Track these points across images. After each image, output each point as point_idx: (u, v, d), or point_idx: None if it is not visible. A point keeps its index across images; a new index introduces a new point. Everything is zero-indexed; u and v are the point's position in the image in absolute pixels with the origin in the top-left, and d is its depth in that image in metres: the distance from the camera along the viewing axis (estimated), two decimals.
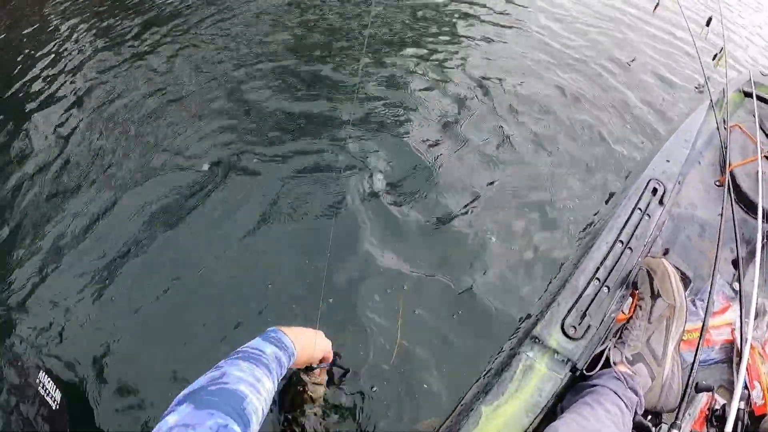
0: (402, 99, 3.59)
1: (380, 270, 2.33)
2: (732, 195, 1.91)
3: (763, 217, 1.91)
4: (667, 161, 2.15)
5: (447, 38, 4.60)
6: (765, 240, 1.99)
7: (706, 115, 2.56)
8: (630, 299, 1.65)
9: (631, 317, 1.57)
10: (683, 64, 4.72)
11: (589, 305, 1.58)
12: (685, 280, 1.79)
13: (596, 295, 1.60)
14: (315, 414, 1.58)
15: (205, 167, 2.91)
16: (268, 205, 2.66)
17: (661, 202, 1.95)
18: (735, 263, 1.79)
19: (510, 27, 4.92)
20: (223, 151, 3.05)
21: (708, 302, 1.52)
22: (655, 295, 1.54)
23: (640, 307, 1.56)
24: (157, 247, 2.45)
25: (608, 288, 1.62)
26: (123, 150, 3.10)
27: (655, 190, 1.98)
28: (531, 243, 2.60)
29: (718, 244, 1.68)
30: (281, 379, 1.15)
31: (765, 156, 2.32)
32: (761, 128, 2.52)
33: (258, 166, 2.94)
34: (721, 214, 1.79)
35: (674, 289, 1.53)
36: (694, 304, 1.74)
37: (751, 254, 1.88)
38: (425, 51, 4.31)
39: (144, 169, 2.94)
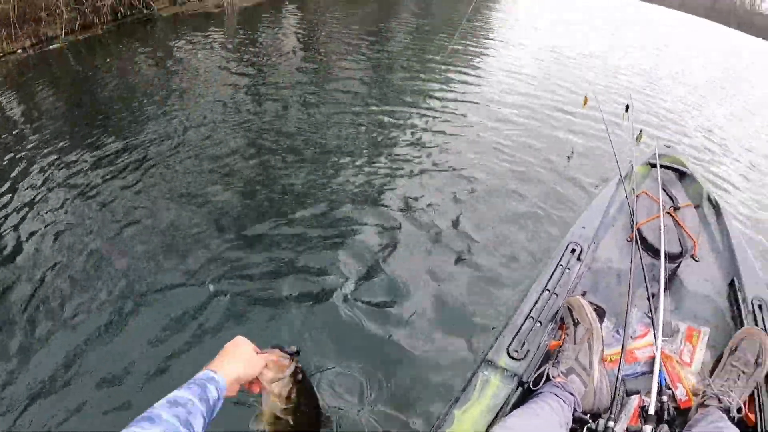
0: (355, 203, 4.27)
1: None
2: (640, 246, 2.50)
3: (665, 259, 2.41)
4: (583, 228, 2.80)
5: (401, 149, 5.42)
6: (668, 275, 2.55)
7: (617, 187, 3.23)
8: (559, 330, 2.17)
9: (562, 343, 2.07)
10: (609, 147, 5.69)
11: (527, 335, 2.09)
12: (599, 311, 2.26)
13: (531, 328, 2.13)
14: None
15: (211, 288, 3.26)
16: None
17: (578, 259, 2.56)
18: (649, 297, 2.24)
19: (461, 135, 5.87)
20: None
21: (625, 329, 2.07)
22: (575, 323, 2.05)
23: (567, 334, 2.06)
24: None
25: (540, 323, 2.16)
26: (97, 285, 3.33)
27: (573, 250, 2.60)
28: (488, 297, 3.33)
29: (629, 285, 2.21)
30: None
31: (667, 212, 2.89)
32: (664, 190, 3.13)
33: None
34: (632, 262, 2.33)
35: (589, 317, 2.04)
36: (619, 333, 2.23)
37: (663, 289, 2.37)
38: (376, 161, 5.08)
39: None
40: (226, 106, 6.28)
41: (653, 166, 3.42)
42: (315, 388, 1.27)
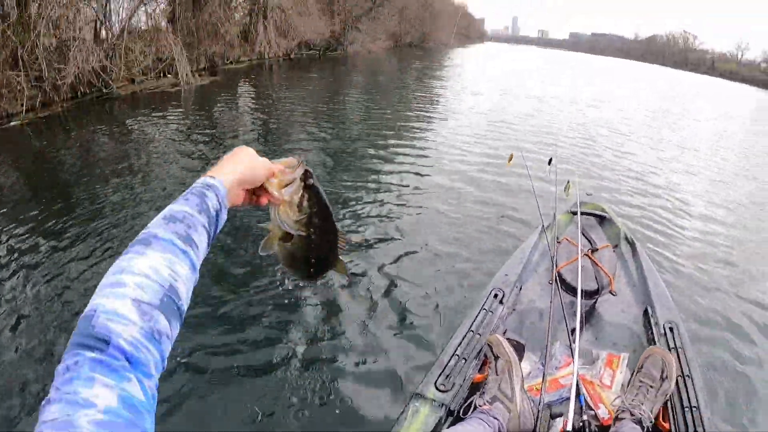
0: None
1: None
2: (559, 287, 2.80)
3: (581, 296, 2.66)
4: (506, 275, 3.14)
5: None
6: (587, 310, 2.89)
7: (539, 236, 3.60)
8: (484, 365, 2.40)
9: (486, 376, 2.28)
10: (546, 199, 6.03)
11: (452, 371, 2.33)
12: (518, 346, 2.51)
13: (456, 364, 2.37)
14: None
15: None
16: None
17: (501, 302, 2.86)
18: (568, 331, 2.46)
19: (408, 204, 6.17)
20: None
21: (546, 360, 2.34)
22: (496, 358, 2.28)
23: (490, 367, 2.28)
24: None
25: (465, 360, 2.40)
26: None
27: (496, 295, 2.90)
28: (421, 342, 3.58)
29: (549, 322, 2.47)
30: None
31: (585, 255, 3.13)
32: (583, 235, 3.42)
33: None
34: (551, 302, 2.61)
35: (506, 351, 2.27)
36: (543, 365, 2.42)
37: (580, 323, 2.60)
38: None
39: None
40: (185, 185, 6.37)
41: (575, 213, 3.73)
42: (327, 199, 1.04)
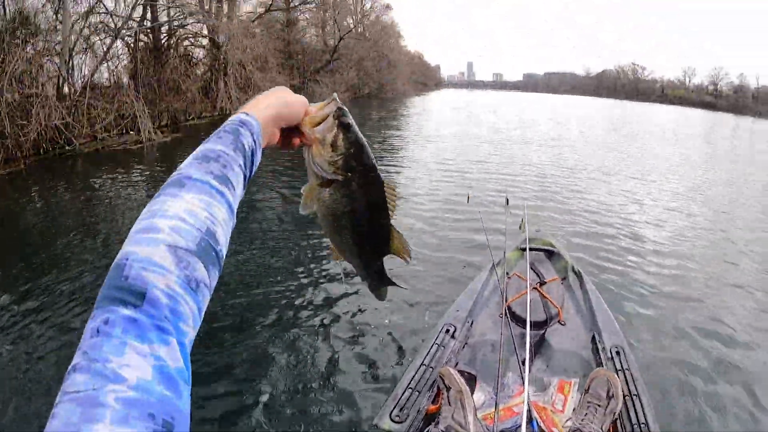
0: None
1: None
2: (509, 320, 2.95)
3: (530, 327, 2.70)
4: (457, 311, 3.33)
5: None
6: (537, 341, 3.06)
7: (490, 272, 3.79)
8: (437, 397, 2.55)
9: (439, 407, 2.44)
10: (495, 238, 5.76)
11: (407, 403, 2.48)
12: (470, 377, 2.69)
13: (410, 396, 2.52)
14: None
15: None
16: None
17: (453, 337, 3.05)
18: (519, 361, 2.51)
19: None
20: None
21: (497, 389, 2.39)
22: (448, 389, 2.43)
23: (443, 398, 2.44)
24: None
25: (418, 392, 2.55)
26: None
27: (447, 330, 3.09)
28: (382, 373, 3.79)
29: (500, 353, 2.55)
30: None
31: (534, 288, 3.30)
32: (532, 269, 3.58)
33: None
34: (501, 334, 2.71)
35: (458, 381, 2.43)
36: (496, 395, 2.52)
37: (531, 353, 2.74)
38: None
39: None
40: None
41: (524, 249, 3.87)
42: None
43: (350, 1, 45.60)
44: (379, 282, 1.13)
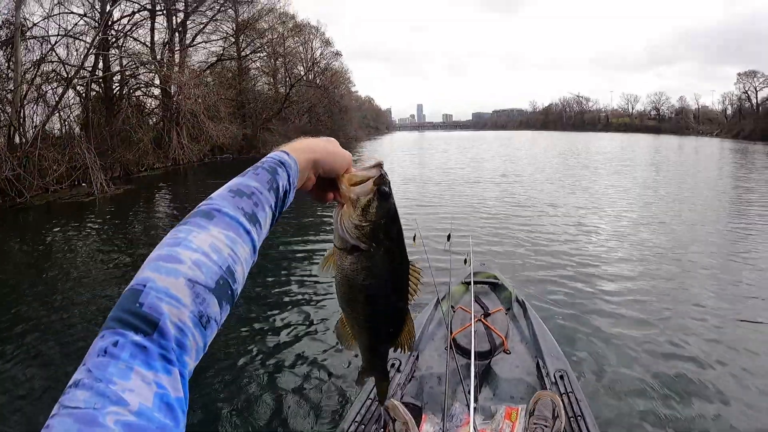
0: None
1: None
2: (455, 352, 2.93)
3: (475, 358, 2.79)
4: None
5: None
6: (483, 370, 3.11)
7: (435, 307, 3.80)
8: (384, 430, 2.53)
9: None
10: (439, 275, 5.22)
11: None
12: (415, 408, 2.71)
13: (356, 430, 2.56)
14: None
15: None
16: None
17: (398, 370, 3.03)
18: (465, 391, 2.55)
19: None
20: None
21: (444, 419, 2.44)
22: (393, 420, 2.46)
23: (389, 430, 2.45)
24: None
25: (364, 425, 2.57)
26: None
27: (393, 365, 3.03)
28: (327, 408, 3.85)
29: (446, 385, 2.61)
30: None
31: (478, 320, 3.36)
32: (476, 301, 3.66)
33: None
34: (447, 366, 2.76)
35: (402, 413, 2.45)
36: (444, 426, 2.49)
37: (478, 382, 2.76)
38: None
39: None
40: (103, 297, 6.32)
41: (468, 283, 3.93)
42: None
43: (301, 49, 46.81)
44: (377, 370, 1.08)
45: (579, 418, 2.60)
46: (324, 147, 0.84)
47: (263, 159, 0.76)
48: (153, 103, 24.79)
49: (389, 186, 0.87)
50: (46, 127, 17.39)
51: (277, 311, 5.85)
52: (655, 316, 5.62)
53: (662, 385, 4.15)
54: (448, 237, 4.88)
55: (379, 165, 0.87)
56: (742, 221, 10.71)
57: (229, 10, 32.57)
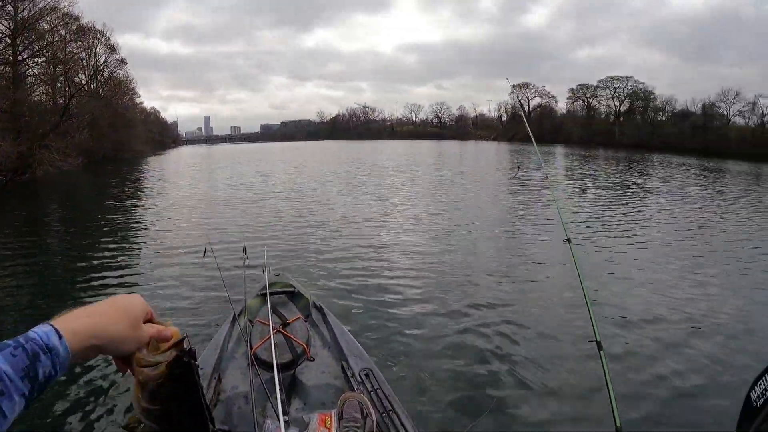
0: None
1: None
2: (257, 367, 2.86)
3: (278, 370, 2.68)
4: (201, 369, 2.98)
5: None
6: (289, 382, 3.08)
7: (232, 323, 3.71)
8: None
9: None
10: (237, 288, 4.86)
11: None
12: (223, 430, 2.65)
13: None
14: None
15: None
16: None
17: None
18: (275, 406, 2.40)
19: None
20: None
21: None
22: None
23: None
24: None
25: None
26: None
27: None
28: None
29: (253, 403, 2.60)
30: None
31: (278, 331, 3.22)
32: (274, 312, 3.42)
33: None
34: (251, 382, 2.74)
35: None
36: None
37: (285, 395, 2.76)
38: None
39: None
40: None
41: (264, 295, 3.71)
42: (204, 400, 0.83)
43: (83, 55, 43.73)
44: None
45: (391, 412, 2.63)
46: (109, 330, 0.72)
47: (28, 333, 0.64)
48: None
49: (190, 367, 0.78)
50: None
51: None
52: (444, 303, 6.15)
53: (464, 365, 4.46)
54: (244, 250, 4.82)
55: (180, 343, 0.79)
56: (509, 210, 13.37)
57: (8, 6, 29.66)
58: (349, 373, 3.12)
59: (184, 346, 0.79)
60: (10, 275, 8.30)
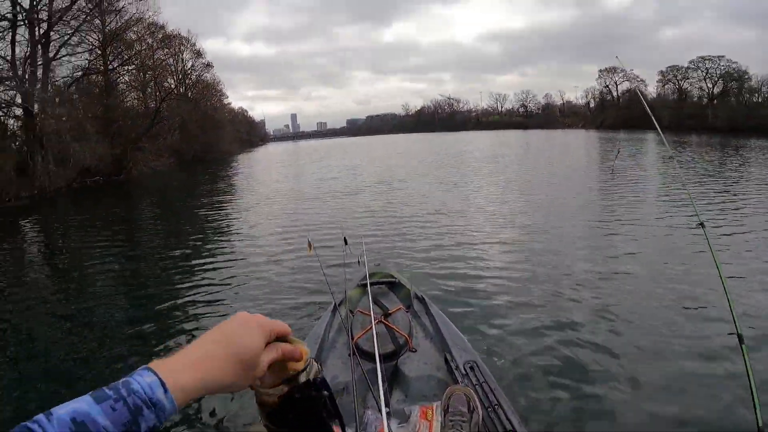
0: None
1: None
2: (358, 357, 2.80)
3: (380, 361, 2.53)
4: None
5: None
6: (390, 373, 2.99)
7: (333, 314, 3.70)
8: None
9: None
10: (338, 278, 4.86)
11: None
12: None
13: None
14: None
15: None
16: None
17: None
18: (375, 397, 2.43)
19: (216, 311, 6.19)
20: None
21: (357, 430, 2.35)
22: None
23: None
24: None
25: None
26: None
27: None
28: None
29: (355, 393, 2.49)
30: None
31: (379, 321, 3.21)
32: (375, 302, 3.48)
33: None
34: (353, 373, 2.70)
35: None
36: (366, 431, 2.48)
37: (387, 386, 2.67)
38: None
39: None
40: None
41: (365, 285, 3.73)
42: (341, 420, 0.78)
43: (171, 61, 45.68)
44: None
45: (496, 407, 2.59)
46: (221, 381, 0.64)
47: (130, 384, 0.56)
48: (15, 124, 23.35)
49: (319, 386, 0.75)
50: None
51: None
52: (549, 298, 5.73)
53: (570, 362, 4.21)
54: (345, 241, 4.74)
55: (305, 367, 0.73)
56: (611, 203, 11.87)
57: (96, 20, 31.18)
58: (452, 365, 3.02)
59: (304, 377, 0.73)
60: (108, 272, 8.53)
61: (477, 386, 2.75)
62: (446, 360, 3.12)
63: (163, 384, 0.58)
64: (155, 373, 0.58)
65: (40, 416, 0.50)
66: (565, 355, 4.32)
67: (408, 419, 2.55)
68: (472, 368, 2.94)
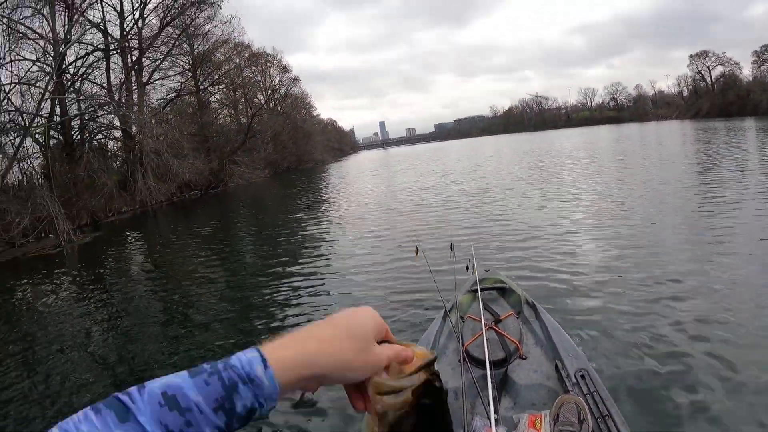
0: None
1: None
2: (469, 364, 2.83)
3: (490, 368, 2.57)
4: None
5: None
6: (500, 379, 3.02)
7: (443, 319, 3.67)
8: None
9: None
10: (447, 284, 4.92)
11: None
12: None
13: None
14: None
15: None
16: None
17: None
18: (484, 403, 2.45)
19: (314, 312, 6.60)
20: None
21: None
22: None
23: None
24: None
25: None
26: None
27: None
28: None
29: (464, 399, 2.51)
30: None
31: (490, 327, 3.20)
32: (485, 308, 3.49)
33: None
34: (462, 378, 2.69)
35: None
36: None
37: (496, 393, 2.68)
38: None
39: None
40: (73, 367, 5.69)
41: (475, 291, 3.77)
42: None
43: (259, 77, 47.11)
44: None
45: (607, 417, 2.52)
46: (328, 358, 0.58)
47: (230, 359, 0.54)
48: (115, 145, 24.52)
49: (440, 393, 0.63)
50: (6, 178, 17.02)
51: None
52: (664, 306, 5.41)
53: (687, 372, 4.02)
54: (451, 247, 4.73)
55: (428, 364, 0.63)
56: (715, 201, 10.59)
57: (184, 45, 32.66)
58: (563, 374, 2.96)
59: (433, 365, 0.63)
60: (211, 281, 8.78)
61: (588, 395, 2.70)
62: (557, 368, 3.08)
63: (264, 360, 0.55)
64: (258, 350, 0.56)
65: (133, 388, 0.51)
66: (682, 364, 4.11)
67: (516, 427, 2.56)
68: (583, 377, 2.88)
